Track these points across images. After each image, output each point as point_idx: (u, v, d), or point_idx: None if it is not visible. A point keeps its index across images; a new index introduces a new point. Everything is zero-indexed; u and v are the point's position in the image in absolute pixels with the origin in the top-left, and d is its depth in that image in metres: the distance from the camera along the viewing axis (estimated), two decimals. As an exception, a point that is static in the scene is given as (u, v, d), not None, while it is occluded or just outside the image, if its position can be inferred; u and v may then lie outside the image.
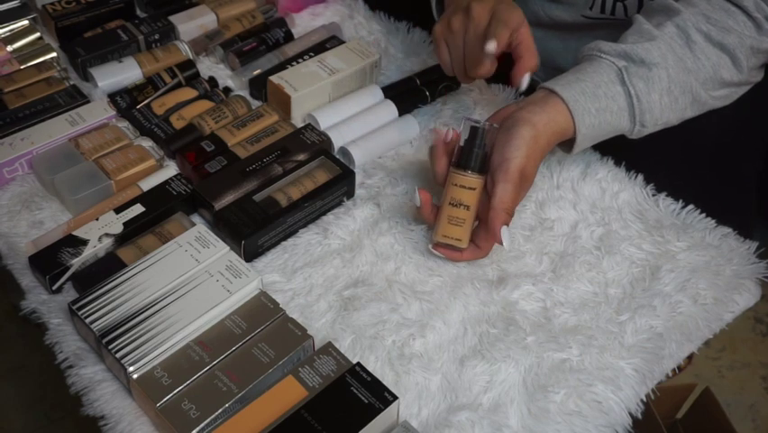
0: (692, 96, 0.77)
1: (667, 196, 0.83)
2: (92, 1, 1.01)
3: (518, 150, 0.72)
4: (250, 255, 0.76)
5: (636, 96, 0.75)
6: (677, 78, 0.76)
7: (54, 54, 0.96)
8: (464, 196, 0.73)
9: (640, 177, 0.84)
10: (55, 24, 0.98)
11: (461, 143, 0.74)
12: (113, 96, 0.91)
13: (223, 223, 0.76)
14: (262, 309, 0.69)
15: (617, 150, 0.84)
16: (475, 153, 0.73)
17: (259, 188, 0.79)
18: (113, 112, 0.88)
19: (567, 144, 0.78)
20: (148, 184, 0.81)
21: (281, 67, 0.95)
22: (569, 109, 0.74)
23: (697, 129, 0.82)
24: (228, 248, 0.72)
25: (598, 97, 0.75)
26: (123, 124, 0.87)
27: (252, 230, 0.75)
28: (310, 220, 0.80)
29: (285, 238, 0.78)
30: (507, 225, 0.72)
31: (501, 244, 0.71)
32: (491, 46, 0.76)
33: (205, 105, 0.90)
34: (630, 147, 0.81)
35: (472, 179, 0.73)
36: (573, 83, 0.75)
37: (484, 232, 0.73)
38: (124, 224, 0.76)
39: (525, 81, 0.79)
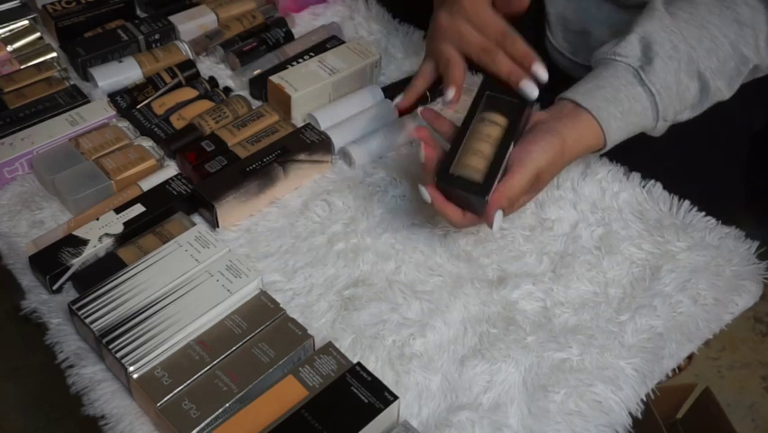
0: (700, 81, 0.76)
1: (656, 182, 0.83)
2: (92, 1, 1.01)
3: (545, 153, 0.72)
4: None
5: (658, 93, 0.75)
6: (688, 64, 0.75)
7: (54, 54, 0.96)
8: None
9: (639, 177, 0.84)
10: (55, 24, 0.98)
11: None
12: (113, 96, 0.91)
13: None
14: (263, 309, 0.69)
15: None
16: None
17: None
18: (113, 112, 0.88)
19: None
20: (148, 184, 0.81)
21: (281, 67, 0.95)
22: (596, 120, 0.74)
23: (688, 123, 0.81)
24: (228, 248, 0.72)
25: (621, 101, 0.75)
26: (124, 124, 0.87)
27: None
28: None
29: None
30: (505, 212, 0.72)
31: (490, 224, 0.71)
32: None
33: (206, 104, 0.90)
34: (624, 143, 0.81)
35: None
36: (594, 91, 0.75)
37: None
38: (124, 224, 0.76)
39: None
